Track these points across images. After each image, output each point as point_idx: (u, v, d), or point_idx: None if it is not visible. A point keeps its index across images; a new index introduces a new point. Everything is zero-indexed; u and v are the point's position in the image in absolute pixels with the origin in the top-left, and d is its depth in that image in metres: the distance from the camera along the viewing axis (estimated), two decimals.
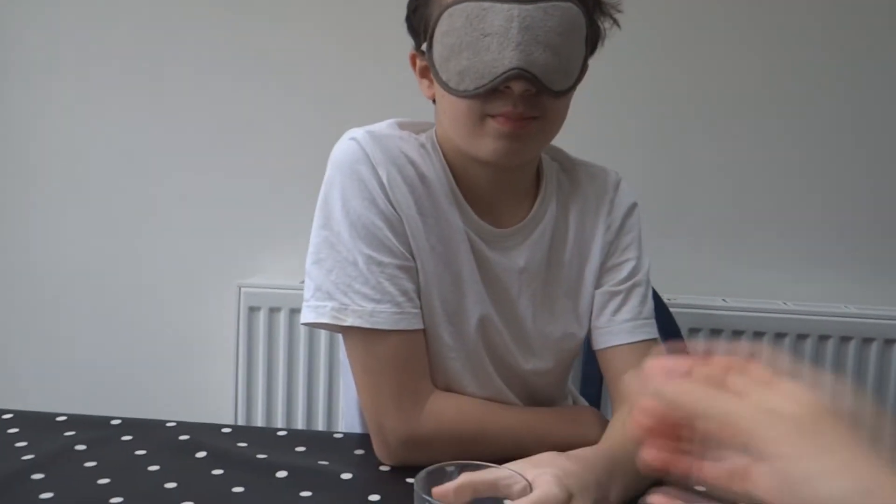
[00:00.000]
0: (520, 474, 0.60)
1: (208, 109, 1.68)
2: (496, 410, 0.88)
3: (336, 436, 0.92)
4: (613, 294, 0.94)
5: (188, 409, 1.70)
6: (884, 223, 1.65)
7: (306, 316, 0.85)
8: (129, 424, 0.91)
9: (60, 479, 0.77)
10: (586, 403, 1.10)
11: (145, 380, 1.76)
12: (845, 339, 1.58)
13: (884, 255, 1.66)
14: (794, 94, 1.62)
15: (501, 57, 0.77)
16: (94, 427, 0.89)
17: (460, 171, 0.90)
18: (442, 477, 0.59)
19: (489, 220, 0.91)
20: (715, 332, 1.59)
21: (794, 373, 0.46)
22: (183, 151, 1.70)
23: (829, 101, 1.63)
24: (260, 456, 0.83)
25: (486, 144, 0.82)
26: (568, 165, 0.99)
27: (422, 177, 0.87)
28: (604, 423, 0.88)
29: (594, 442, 0.80)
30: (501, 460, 0.64)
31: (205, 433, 0.89)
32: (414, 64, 0.90)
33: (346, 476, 0.80)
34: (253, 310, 1.63)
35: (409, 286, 0.85)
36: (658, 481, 0.50)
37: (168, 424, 0.91)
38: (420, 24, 0.85)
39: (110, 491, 0.74)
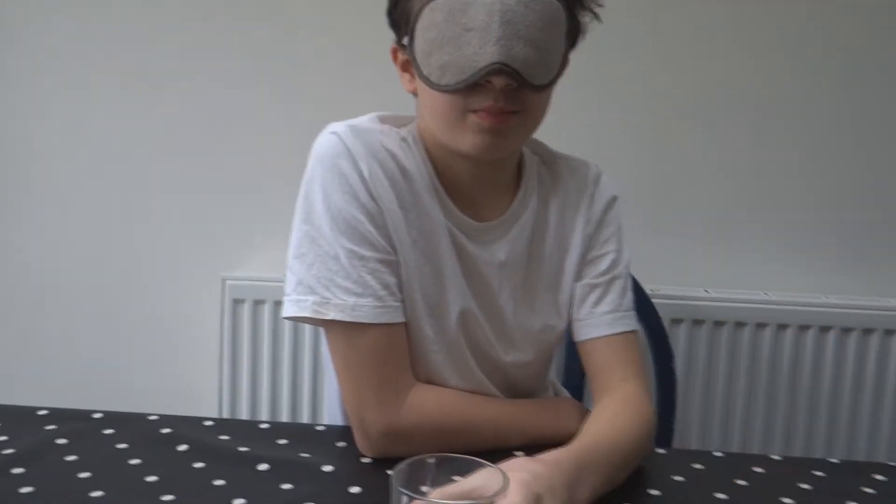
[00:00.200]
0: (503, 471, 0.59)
1: (191, 104, 1.67)
2: (477, 402, 0.89)
3: (318, 428, 0.92)
4: (593, 287, 0.95)
5: (172, 402, 1.71)
6: (862, 216, 1.67)
7: (288, 310, 0.85)
8: (111, 418, 0.91)
9: (41, 473, 0.77)
10: (568, 395, 1.11)
11: (129, 373, 1.76)
12: (825, 329, 1.61)
13: (863, 248, 1.68)
14: (786, 89, 1.63)
15: (482, 52, 0.77)
16: (75, 421, 0.89)
17: (441, 165, 0.90)
18: (421, 469, 0.59)
19: (470, 214, 0.91)
20: (697, 323, 1.61)
21: None
22: (166, 145, 1.69)
23: (828, 100, 1.63)
24: (242, 449, 0.83)
25: (467, 139, 0.83)
26: (549, 159, 0.99)
27: (403, 171, 0.88)
28: (584, 414, 0.89)
29: (574, 432, 0.81)
30: (483, 452, 0.64)
31: (187, 426, 0.89)
32: (395, 58, 0.90)
33: (328, 468, 0.80)
34: (237, 302, 1.63)
35: (391, 280, 0.85)
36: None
37: (150, 418, 0.91)
38: (401, 17, 0.85)
39: (91, 485, 0.74)
